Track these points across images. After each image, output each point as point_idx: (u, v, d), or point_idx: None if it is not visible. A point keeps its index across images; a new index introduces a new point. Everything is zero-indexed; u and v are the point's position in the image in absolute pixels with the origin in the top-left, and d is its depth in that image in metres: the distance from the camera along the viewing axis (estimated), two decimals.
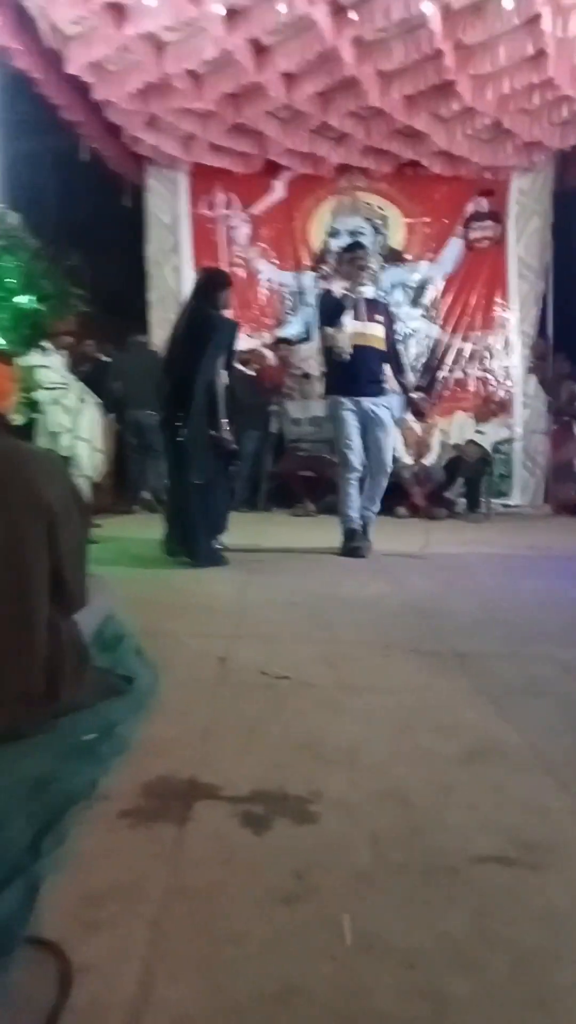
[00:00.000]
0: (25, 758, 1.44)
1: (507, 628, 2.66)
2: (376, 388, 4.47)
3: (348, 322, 4.34)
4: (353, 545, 4.36)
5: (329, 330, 4.38)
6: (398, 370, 4.69)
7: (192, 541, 3.99)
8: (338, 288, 4.53)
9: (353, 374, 4.36)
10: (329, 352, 4.47)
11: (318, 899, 1.02)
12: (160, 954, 0.91)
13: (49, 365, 5.24)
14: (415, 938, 0.95)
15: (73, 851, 1.14)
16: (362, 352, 4.36)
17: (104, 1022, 0.80)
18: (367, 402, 4.40)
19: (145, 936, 0.94)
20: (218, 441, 4.06)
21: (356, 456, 4.43)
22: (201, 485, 3.99)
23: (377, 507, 4.65)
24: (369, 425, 4.43)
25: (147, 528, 5.76)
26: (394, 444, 5.33)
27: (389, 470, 4.65)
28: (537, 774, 1.44)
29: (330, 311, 4.43)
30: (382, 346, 4.48)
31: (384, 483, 4.62)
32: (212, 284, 4.27)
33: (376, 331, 4.45)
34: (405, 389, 4.81)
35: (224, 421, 4.09)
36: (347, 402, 4.40)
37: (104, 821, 1.24)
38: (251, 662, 2.13)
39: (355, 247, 4.75)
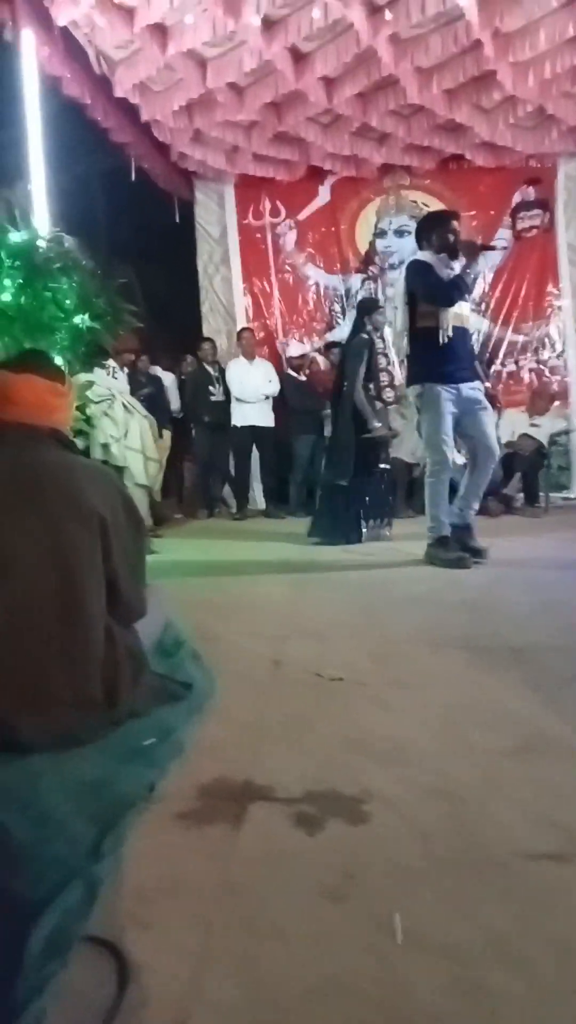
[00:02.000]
0: (84, 762, 1.49)
1: (561, 623, 2.61)
2: (474, 372, 4.08)
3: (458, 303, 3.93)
4: (453, 555, 3.85)
5: (440, 310, 3.89)
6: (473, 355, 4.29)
7: (346, 526, 5.09)
8: (430, 258, 3.99)
9: (453, 358, 3.93)
10: (421, 333, 3.99)
11: (366, 897, 1.03)
12: (210, 952, 0.94)
13: (96, 379, 5.39)
14: (462, 934, 0.94)
15: (130, 852, 1.17)
16: (459, 333, 3.95)
17: (155, 1019, 0.83)
18: (466, 388, 3.96)
19: (196, 935, 0.97)
20: (371, 442, 5.25)
21: (451, 453, 3.99)
22: (346, 484, 5.13)
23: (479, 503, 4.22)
24: (472, 410, 3.99)
25: (207, 535, 5.86)
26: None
27: (497, 455, 4.24)
28: None
29: (448, 289, 3.89)
30: (470, 327, 4.16)
31: (491, 471, 4.18)
32: (358, 311, 5.53)
33: (467, 310, 4.12)
34: (481, 378, 4.39)
35: (375, 424, 5.27)
36: (447, 391, 3.91)
37: (160, 822, 1.27)
38: (304, 662, 2.15)
39: (454, 217, 4.21)
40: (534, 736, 1.57)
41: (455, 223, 4.10)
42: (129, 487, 5.29)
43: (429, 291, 3.94)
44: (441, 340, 3.90)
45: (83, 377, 5.33)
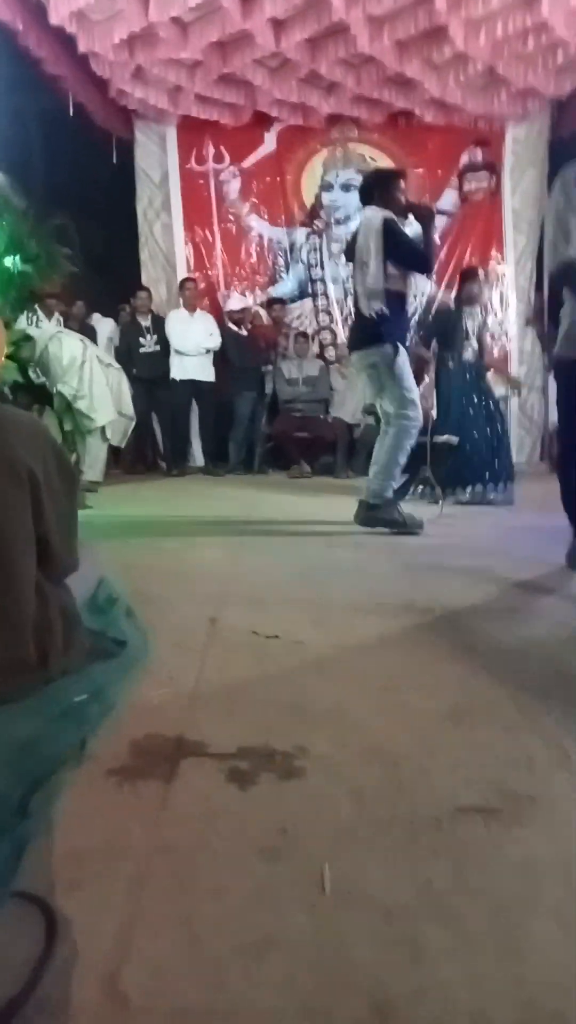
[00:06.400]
0: (13, 721, 1.45)
1: (498, 585, 2.67)
2: None
3: None
4: (412, 519, 3.88)
5: (421, 275, 3.94)
6: None
7: None
8: (393, 216, 3.83)
9: (408, 325, 4.08)
10: (390, 295, 3.80)
11: (299, 854, 1.03)
12: (140, 909, 0.93)
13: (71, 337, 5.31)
14: (394, 890, 0.96)
15: (59, 810, 1.15)
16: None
17: (83, 976, 0.82)
18: None
19: (126, 892, 0.96)
20: None
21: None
22: None
23: None
24: None
25: (143, 492, 5.77)
26: None
27: None
28: (523, 729, 1.45)
29: (428, 257, 3.86)
30: None
31: None
32: None
33: None
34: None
35: None
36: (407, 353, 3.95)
37: (91, 780, 1.25)
38: (241, 624, 2.14)
39: (401, 176, 4.11)
40: (469, 699, 1.60)
41: (403, 182, 4.01)
42: (94, 440, 5.29)
43: (410, 256, 3.81)
44: (412, 306, 3.90)
45: (50, 330, 5.22)
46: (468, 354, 5.24)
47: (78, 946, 0.86)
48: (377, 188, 3.93)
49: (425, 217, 3.91)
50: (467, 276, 5.42)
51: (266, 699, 1.59)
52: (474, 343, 5.25)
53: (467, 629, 2.12)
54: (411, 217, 3.93)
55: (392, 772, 1.27)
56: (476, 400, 5.24)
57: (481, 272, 5.53)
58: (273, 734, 1.41)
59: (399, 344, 3.83)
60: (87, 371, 5.18)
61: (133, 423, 5.91)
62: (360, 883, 0.97)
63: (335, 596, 2.51)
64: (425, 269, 3.84)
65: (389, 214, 3.81)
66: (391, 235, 3.73)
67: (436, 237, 3.92)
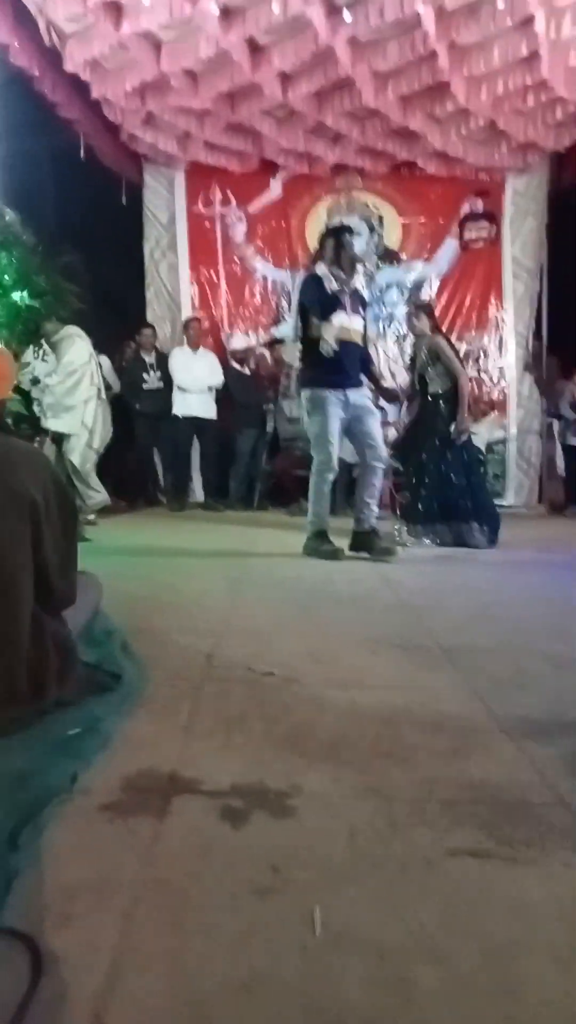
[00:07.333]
0: (5, 752, 1.45)
1: (495, 623, 2.67)
2: (359, 381, 4.32)
3: (337, 316, 4.13)
4: (328, 548, 4.19)
5: (319, 324, 4.09)
6: (368, 361, 4.49)
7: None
8: (323, 271, 4.20)
9: (339, 368, 4.14)
10: (313, 343, 4.16)
11: (291, 892, 1.02)
12: (130, 946, 0.92)
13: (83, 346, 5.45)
14: (386, 930, 0.95)
15: (50, 844, 1.14)
16: (346, 347, 4.12)
17: (70, 1013, 0.81)
18: (354, 394, 4.22)
19: (117, 929, 0.95)
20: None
21: (336, 454, 4.27)
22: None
23: (377, 505, 4.39)
24: (361, 416, 4.24)
25: (143, 526, 5.78)
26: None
27: (383, 455, 4.42)
28: (520, 769, 1.45)
29: (323, 304, 4.13)
30: (361, 342, 4.32)
31: (380, 470, 4.37)
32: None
33: (359, 326, 4.30)
34: (376, 380, 4.64)
35: None
36: (333, 396, 4.17)
37: (83, 815, 1.24)
38: (238, 658, 2.13)
39: (344, 231, 4.44)
40: (466, 735, 1.60)
41: (344, 237, 4.36)
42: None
43: (307, 305, 4.24)
44: (322, 351, 4.03)
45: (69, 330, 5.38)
46: (432, 387, 5.04)
47: (67, 982, 0.85)
48: (320, 246, 4.44)
49: (345, 269, 4.27)
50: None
51: (261, 735, 1.58)
52: (426, 375, 5.06)
53: (464, 665, 2.11)
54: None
55: (386, 810, 1.26)
56: (434, 438, 5.04)
57: (412, 307, 5.60)
58: (267, 771, 1.40)
59: (315, 388, 4.22)
60: (71, 381, 5.29)
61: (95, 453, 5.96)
62: (352, 922, 0.96)
63: (333, 631, 2.50)
64: (315, 315, 4.17)
65: (318, 269, 4.26)
66: (301, 288, 4.36)
67: (352, 288, 4.33)
